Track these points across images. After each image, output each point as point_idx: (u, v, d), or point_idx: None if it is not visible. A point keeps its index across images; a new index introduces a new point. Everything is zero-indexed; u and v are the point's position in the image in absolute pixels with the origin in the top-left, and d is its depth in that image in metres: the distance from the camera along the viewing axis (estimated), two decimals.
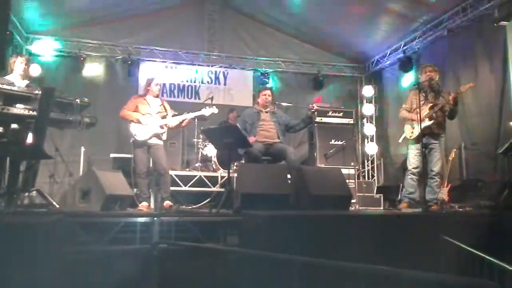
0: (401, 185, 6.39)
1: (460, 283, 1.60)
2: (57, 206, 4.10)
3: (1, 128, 3.75)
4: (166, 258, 2.99)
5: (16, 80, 4.30)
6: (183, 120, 5.00)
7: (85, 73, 7.69)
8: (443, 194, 5.63)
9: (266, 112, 5.18)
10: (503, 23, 5.02)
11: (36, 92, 3.84)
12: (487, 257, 2.10)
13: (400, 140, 5.16)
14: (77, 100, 4.14)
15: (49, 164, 5.52)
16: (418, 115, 4.54)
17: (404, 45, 7.73)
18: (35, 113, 3.74)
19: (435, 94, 4.95)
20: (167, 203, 4.76)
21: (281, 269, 2.36)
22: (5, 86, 3.70)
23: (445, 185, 5.75)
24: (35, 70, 6.38)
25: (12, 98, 3.72)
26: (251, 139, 4.81)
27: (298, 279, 2.20)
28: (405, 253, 2.77)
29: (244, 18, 8.65)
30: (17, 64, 4.40)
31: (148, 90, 5.05)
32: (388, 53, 8.31)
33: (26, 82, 4.35)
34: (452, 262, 2.63)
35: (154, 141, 4.87)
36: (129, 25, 7.99)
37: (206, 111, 4.99)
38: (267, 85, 8.21)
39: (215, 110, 5.03)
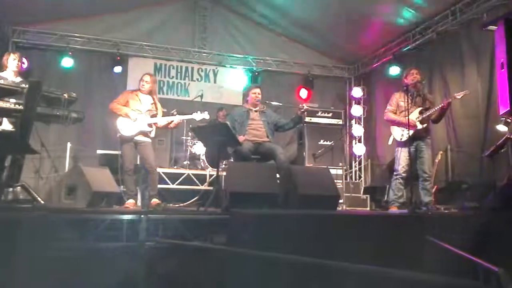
0: (387, 186, 6.46)
1: (447, 283, 1.61)
2: (42, 202, 4.04)
3: None
4: (153, 256, 2.97)
5: (9, 77, 4.28)
6: (170, 121, 4.97)
7: (73, 67, 7.57)
8: None
9: (256, 111, 5.17)
10: (491, 27, 5.09)
11: (23, 86, 3.78)
12: (472, 257, 2.13)
13: (390, 143, 5.17)
14: (64, 94, 4.10)
15: (34, 160, 5.44)
16: (407, 118, 4.58)
17: (393, 48, 7.79)
18: (21, 107, 3.68)
19: (421, 97, 5.01)
20: (155, 201, 4.72)
21: (269, 268, 2.36)
22: None
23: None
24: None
25: None
26: (240, 138, 4.80)
27: (286, 277, 2.20)
28: (391, 253, 2.79)
29: (235, 16, 8.63)
30: (10, 61, 4.37)
31: (139, 86, 5.00)
32: (378, 55, 8.38)
33: (20, 79, 4.29)
34: (438, 262, 2.66)
35: (141, 138, 4.81)
36: (119, 19, 7.89)
37: (197, 116, 4.97)
38: (257, 84, 8.19)
39: (206, 115, 5.01)
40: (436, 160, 6.14)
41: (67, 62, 7.44)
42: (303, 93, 8.72)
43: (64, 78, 7.34)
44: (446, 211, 4.91)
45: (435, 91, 6.82)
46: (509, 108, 4.20)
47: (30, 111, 3.65)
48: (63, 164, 6.32)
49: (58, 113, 4.00)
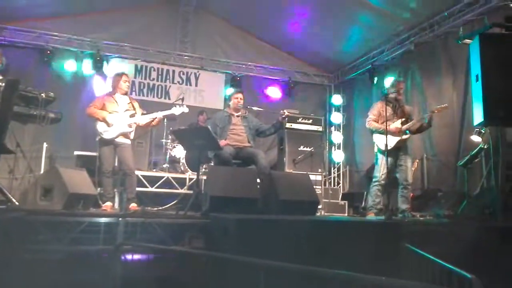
0: (365, 193, 6.55)
1: None
2: (17, 203, 3.93)
3: None
4: (130, 259, 2.93)
5: None
6: (152, 119, 4.91)
7: (51, 67, 7.42)
8: None
9: (237, 116, 5.18)
10: (467, 41, 5.25)
11: (0, 84, 3.69)
12: (446, 264, 2.18)
13: (376, 150, 5.21)
14: (42, 94, 4.02)
15: (9, 159, 5.29)
16: (395, 127, 4.71)
17: (373, 57, 7.94)
18: None
19: (401, 108, 5.14)
20: (133, 206, 4.65)
21: (248, 273, 2.36)
22: None
23: None
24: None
25: None
26: (222, 142, 4.79)
27: (264, 282, 2.20)
28: (368, 259, 2.83)
29: (217, 21, 8.63)
30: None
31: (116, 87, 4.92)
32: (357, 64, 8.52)
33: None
34: (413, 269, 2.72)
35: (121, 140, 4.75)
36: (100, 19, 7.78)
37: (176, 110, 4.90)
38: (239, 89, 8.18)
39: (185, 109, 4.94)
40: (413, 168, 6.27)
41: (45, 61, 7.33)
42: (272, 91, 8.79)
43: (42, 77, 7.18)
44: (421, 218, 5.02)
45: (412, 101, 6.96)
46: (483, 119, 4.32)
47: (6, 110, 3.57)
48: (39, 165, 6.16)
49: (35, 113, 3.92)
